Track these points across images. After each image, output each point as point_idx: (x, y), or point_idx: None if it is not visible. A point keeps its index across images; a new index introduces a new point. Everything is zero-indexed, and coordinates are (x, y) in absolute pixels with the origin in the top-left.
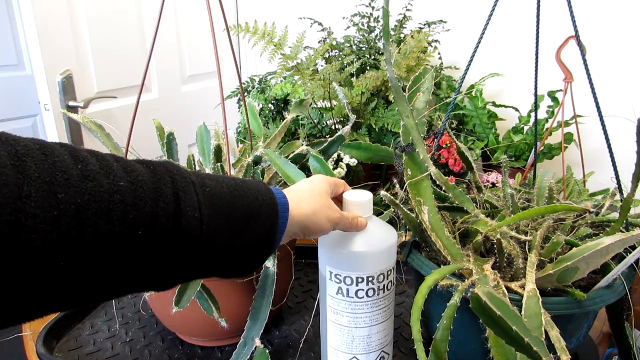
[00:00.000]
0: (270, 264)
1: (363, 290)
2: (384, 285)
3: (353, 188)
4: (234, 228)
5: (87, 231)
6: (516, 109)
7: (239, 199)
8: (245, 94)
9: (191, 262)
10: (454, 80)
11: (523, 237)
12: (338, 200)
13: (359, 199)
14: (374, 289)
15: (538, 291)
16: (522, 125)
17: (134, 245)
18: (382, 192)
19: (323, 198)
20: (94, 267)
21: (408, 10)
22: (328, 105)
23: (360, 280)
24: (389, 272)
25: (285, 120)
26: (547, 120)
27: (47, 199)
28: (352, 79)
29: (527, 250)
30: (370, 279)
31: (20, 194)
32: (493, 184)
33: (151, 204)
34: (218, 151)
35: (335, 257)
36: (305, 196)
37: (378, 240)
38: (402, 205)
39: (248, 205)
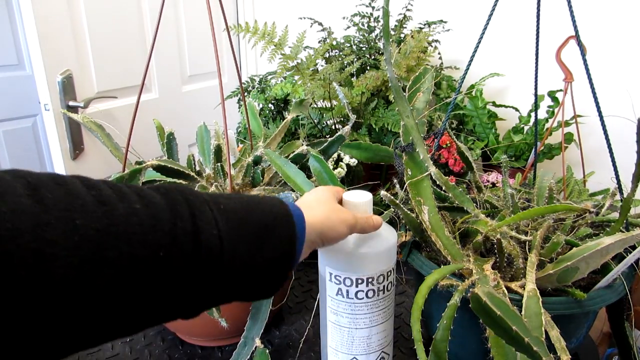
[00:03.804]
0: None
1: (363, 291)
2: (384, 286)
3: (352, 188)
4: (252, 242)
5: (109, 255)
6: (516, 109)
7: (253, 212)
8: (246, 94)
9: (215, 281)
10: (454, 80)
11: (523, 237)
12: None
13: (359, 200)
14: (374, 290)
15: (538, 291)
16: (522, 125)
17: (157, 268)
18: (382, 192)
19: (332, 203)
20: (119, 297)
21: (408, 10)
22: (328, 105)
23: (360, 281)
24: (389, 273)
25: (285, 120)
26: (547, 120)
27: (66, 225)
28: (352, 79)
29: (527, 250)
30: (370, 280)
31: (39, 222)
32: (493, 184)
33: (169, 224)
34: (218, 151)
35: (335, 258)
36: (314, 204)
37: (378, 241)
38: (402, 205)
39: (263, 218)
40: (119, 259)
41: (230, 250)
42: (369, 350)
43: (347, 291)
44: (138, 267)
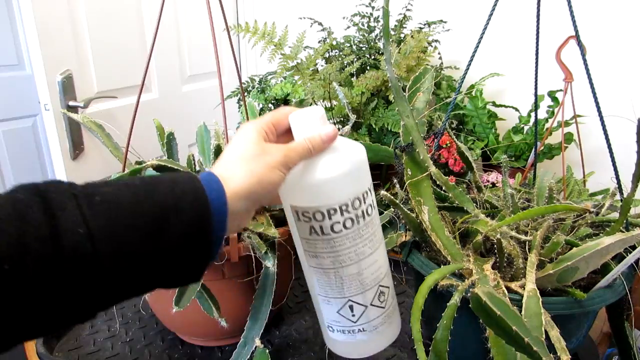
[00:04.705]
0: (270, 263)
1: (339, 222)
2: (362, 211)
3: None
4: (145, 232)
5: None
6: (516, 109)
7: (147, 198)
8: (245, 94)
9: (99, 281)
10: (454, 80)
11: (523, 237)
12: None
13: (307, 119)
14: (352, 219)
15: (538, 291)
16: (522, 125)
17: (6, 282)
18: (382, 192)
19: (254, 150)
20: None
21: (408, 10)
22: (328, 105)
23: (332, 211)
24: (366, 195)
25: None
26: (547, 120)
27: None
28: (352, 79)
29: (527, 250)
30: (344, 207)
31: None
32: (493, 184)
33: (15, 233)
34: (218, 151)
35: (296, 191)
36: (236, 165)
37: (343, 161)
38: (402, 205)
39: (161, 202)
40: None
41: (109, 247)
42: (364, 288)
43: (321, 227)
44: None
